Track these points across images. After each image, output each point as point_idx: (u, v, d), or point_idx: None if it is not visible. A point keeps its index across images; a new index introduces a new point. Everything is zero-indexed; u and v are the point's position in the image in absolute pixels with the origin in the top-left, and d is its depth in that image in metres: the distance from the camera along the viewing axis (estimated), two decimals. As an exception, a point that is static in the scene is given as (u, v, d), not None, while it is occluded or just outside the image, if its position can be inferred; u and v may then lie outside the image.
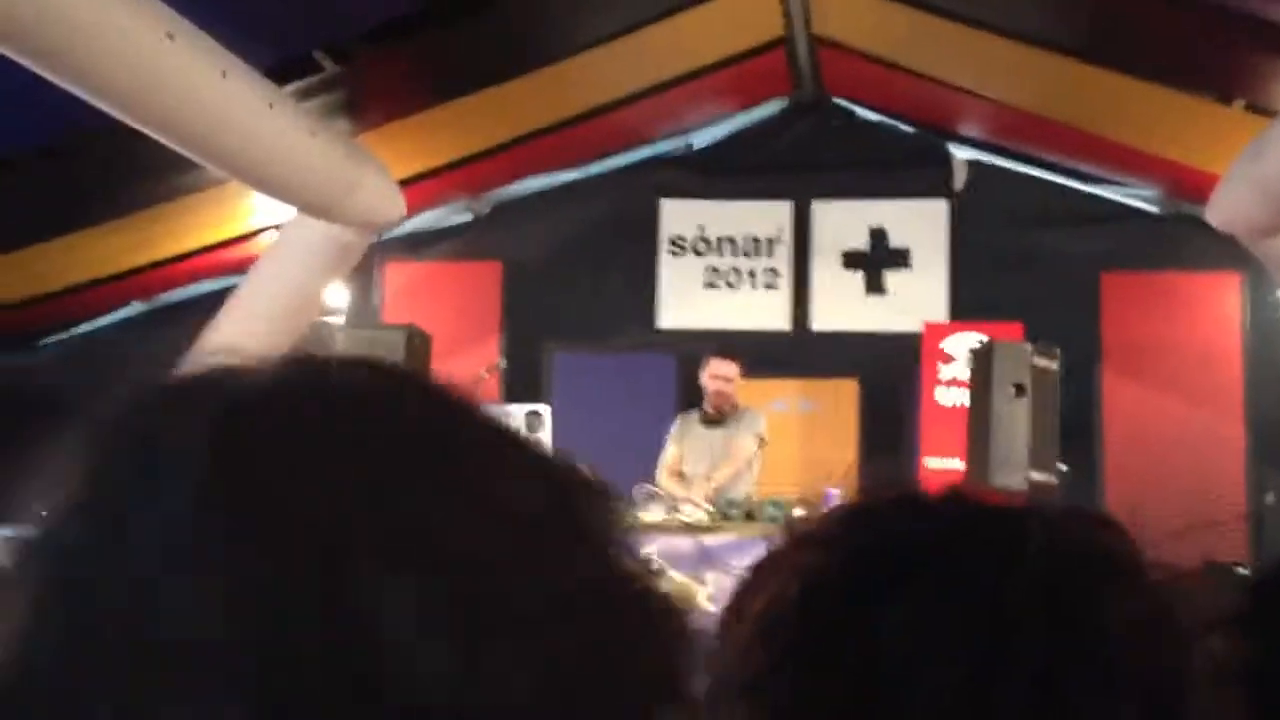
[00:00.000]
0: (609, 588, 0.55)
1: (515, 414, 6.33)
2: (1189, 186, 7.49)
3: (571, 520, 0.56)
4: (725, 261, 8.71)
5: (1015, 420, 6.00)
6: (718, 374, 7.01)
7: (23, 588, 0.51)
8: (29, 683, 0.49)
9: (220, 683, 0.47)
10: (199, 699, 0.47)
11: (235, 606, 0.48)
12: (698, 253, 8.74)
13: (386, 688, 0.48)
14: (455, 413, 0.57)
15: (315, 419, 0.54)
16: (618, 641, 0.54)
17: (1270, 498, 7.57)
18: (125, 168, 6.64)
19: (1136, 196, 8.26)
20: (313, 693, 0.48)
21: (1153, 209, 8.24)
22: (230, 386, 0.55)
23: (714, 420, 7.02)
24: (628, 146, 8.70)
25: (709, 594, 5.73)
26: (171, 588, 0.49)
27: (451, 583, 0.50)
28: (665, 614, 0.57)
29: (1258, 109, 6.53)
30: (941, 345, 7.77)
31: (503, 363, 7.31)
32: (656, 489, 6.71)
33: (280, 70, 6.24)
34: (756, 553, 0.83)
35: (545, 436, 6.29)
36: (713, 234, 8.72)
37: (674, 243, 8.76)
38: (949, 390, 7.65)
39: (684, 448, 7.03)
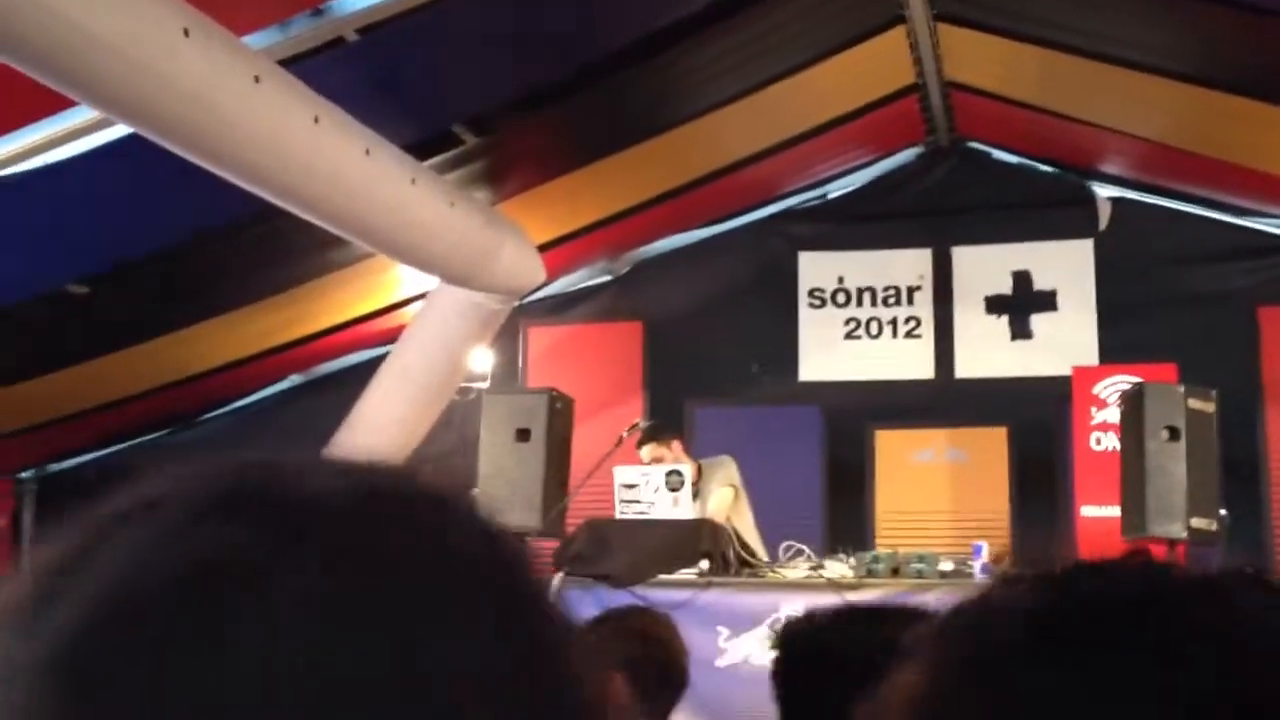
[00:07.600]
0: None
1: (655, 474, 6.35)
2: (1345, 214, 7.24)
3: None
4: (865, 312, 8.66)
5: (1171, 465, 5.80)
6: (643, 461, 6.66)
7: None
8: None
9: None
10: None
11: None
12: (838, 304, 8.71)
13: None
14: None
15: None
16: None
17: None
18: (277, 247, 6.88)
19: (1290, 227, 8.00)
20: None
21: (1308, 239, 7.98)
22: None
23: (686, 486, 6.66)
24: (763, 201, 8.73)
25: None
26: None
27: None
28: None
29: None
30: (1093, 390, 7.56)
31: (643, 422, 7.31)
32: (803, 546, 6.65)
33: (421, 144, 6.42)
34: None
35: (686, 495, 6.29)
36: (852, 284, 8.68)
37: (813, 294, 8.74)
38: (1104, 435, 7.43)
39: None
